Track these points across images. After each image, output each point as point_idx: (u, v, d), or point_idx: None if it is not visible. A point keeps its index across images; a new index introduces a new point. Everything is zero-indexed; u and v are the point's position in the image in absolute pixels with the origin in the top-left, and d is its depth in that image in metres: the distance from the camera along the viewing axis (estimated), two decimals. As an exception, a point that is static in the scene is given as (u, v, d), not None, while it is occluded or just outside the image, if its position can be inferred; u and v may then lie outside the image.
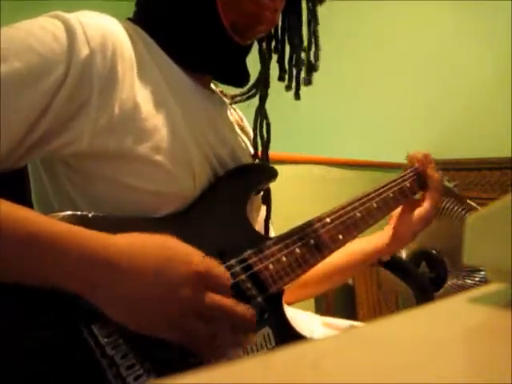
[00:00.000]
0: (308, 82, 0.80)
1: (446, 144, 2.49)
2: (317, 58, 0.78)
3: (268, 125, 0.78)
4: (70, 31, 0.56)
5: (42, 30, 0.56)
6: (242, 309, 0.55)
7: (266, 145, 0.79)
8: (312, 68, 0.79)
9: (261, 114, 0.78)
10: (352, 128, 2.91)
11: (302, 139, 2.87)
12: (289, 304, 0.93)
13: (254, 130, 0.78)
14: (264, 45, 0.80)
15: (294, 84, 0.81)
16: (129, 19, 0.71)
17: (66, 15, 0.58)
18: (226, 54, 0.72)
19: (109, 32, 0.60)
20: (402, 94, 2.73)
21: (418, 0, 2.64)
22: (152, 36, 0.68)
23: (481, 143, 2.35)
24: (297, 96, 0.81)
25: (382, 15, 2.82)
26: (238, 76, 0.76)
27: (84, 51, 0.56)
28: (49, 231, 0.49)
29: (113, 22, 0.64)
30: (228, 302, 0.54)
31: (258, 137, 0.78)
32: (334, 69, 3.01)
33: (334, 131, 2.95)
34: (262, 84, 0.78)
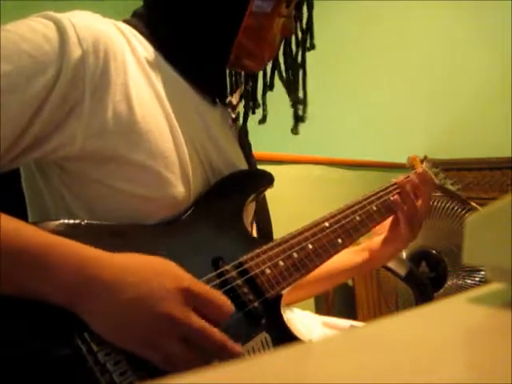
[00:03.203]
0: (295, 133, 0.82)
1: (446, 144, 2.49)
2: (304, 111, 0.81)
3: (249, 144, 0.81)
4: (61, 32, 0.55)
5: (32, 31, 0.54)
6: (229, 344, 0.52)
7: (250, 161, 0.81)
8: (299, 119, 0.81)
9: (244, 133, 0.81)
10: (352, 128, 2.91)
11: (302, 139, 2.87)
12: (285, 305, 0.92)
13: (241, 146, 0.80)
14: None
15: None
16: (124, 21, 0.69)
17: (58, 15, 0.57)
18: (217, 71, 0.73)
19: (101, 33, 0.58)
20: (402, 94, 2.73)
21: (421, 1, 2.64)
22: (147, 37, 0.67)
23: (481, 143, 2.35)
24: (295, 131, 0.83)
25: (383, 16, 2.82)
26: (216, 91, 0.76)
27: (76, 52, 0.55)
28: (38, 244, 0.48)
29: (105, 22, 0.62)
30: (212, 331, 0.51)
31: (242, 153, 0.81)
32: (335, 69, 3.01)
33: (335, 131, 2.95)
34: (245, 105, 0.80)
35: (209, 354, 0.52)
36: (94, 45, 0.57)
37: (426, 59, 2.65)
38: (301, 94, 0.80)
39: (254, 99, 0.82)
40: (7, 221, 0.48)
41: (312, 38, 0.80)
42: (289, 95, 0.81)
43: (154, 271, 0.51)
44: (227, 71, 0.81)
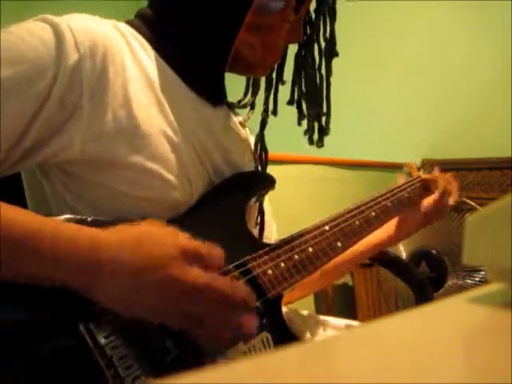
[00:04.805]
0: (321, 145, 0.81)
1: (446, 144, 2.49)
2: (328, 123, 0.80)
3: (265, 150, 0.80)
4: (58, 35, 0.55)
5: (30, 35, 0.54)
6: (239, 287, 0.54)
7: (264, 167, 0.81)
8: (323, 133, 0.80)
9: (260, 141, 0.79)
10: (352, 128, 2.91)
11: (302, 139, 2.87)
12: (287, 303, 0.92)
13: (254, 153, 0.79)
14: (274, 74, 0.80)
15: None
16: (126, 21, 0.68)
17: (55, 19, 0.56)
18: (216, 71, 0.71)
19: (99, 36, 0.58)
20: (402, 94, 2.72)
21: (421, 1, 2.64)
22: (148, 38, 0.66)
23: (481, 143, 2.35)
24: (320, 144, 0.82)
25: (382, 16, 2.82)
26: (215, 93, 0.74)
27: (73, 56, 0.55)
28: (45, 230, 0.48)
29: (104, 24, 0.62)
30: (220, 279, 0.52)
31: (258, 161, 0.79)
32: (334, 69, 3.00)
33: (335, 131, 2.95)
34: (264, 110, 0.79)
35: (219, 307, 0.52)
36: (92, 48, 0.56)
37: (426, 59, 2.65)
38: (324, 106, 0.79)
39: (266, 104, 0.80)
40: (7, 208, 0.49)
41: (334, 46, 0.79)
42: (309, 108, 0.79)
43: (151, 243, 0.52)
44: (246, 79, 0.81)
